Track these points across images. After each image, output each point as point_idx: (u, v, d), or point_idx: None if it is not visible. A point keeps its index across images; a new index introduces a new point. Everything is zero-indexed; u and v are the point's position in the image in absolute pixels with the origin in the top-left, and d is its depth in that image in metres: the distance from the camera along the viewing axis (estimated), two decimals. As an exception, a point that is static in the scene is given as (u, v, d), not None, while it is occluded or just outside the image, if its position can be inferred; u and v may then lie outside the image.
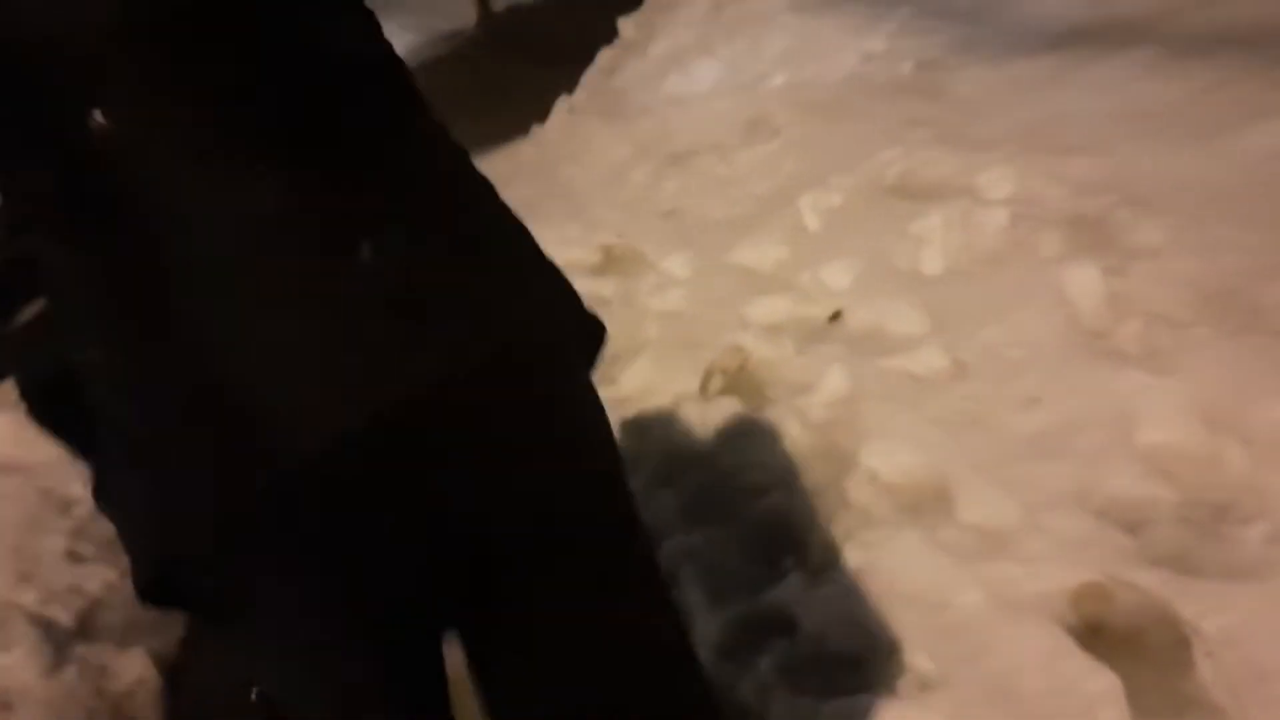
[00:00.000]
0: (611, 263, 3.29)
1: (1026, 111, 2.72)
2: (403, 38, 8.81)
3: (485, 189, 0.89)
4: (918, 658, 1.50)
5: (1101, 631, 1.44)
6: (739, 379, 2.42)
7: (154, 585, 0.78)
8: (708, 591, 1.82)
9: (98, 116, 0.68)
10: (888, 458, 1.92)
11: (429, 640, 0.89)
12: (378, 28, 0.84)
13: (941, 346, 2.09)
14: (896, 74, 3.23)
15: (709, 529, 1.97)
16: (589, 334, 0.96)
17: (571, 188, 3.84)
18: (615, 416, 2.50)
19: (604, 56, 4.97)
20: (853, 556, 1.75)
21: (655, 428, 2.35)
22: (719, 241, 2.99)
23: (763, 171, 3.22)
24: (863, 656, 1.55)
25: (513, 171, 4.28)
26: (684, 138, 3.71)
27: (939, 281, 2.32)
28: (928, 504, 1.79)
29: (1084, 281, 2.01)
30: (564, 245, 3.40)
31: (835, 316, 2.44)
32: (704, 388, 2.45)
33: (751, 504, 2.00)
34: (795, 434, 2.11)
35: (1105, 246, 2.08)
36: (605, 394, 2.51)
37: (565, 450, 0.89)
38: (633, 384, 2.59)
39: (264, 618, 0.81)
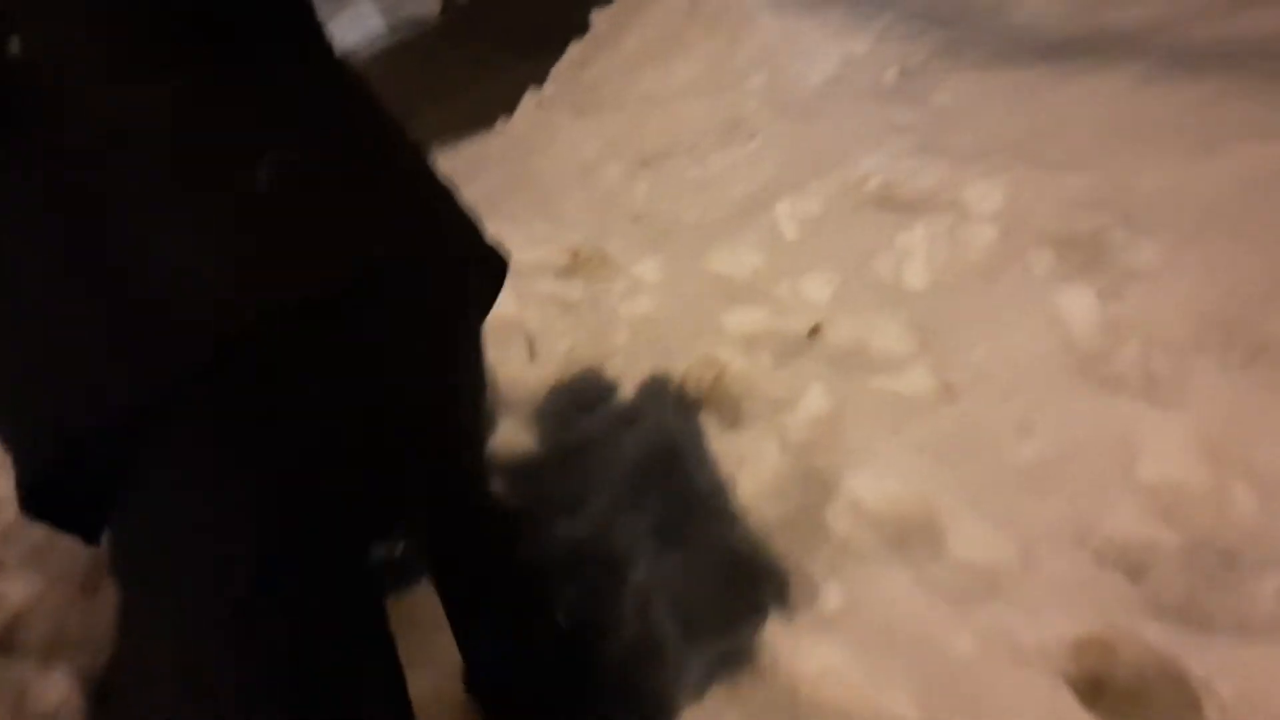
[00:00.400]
0: (579, 265, 3.16)
1: (1015, 122, 2.63)
2: (367, 22, 8.63)
3: (389, 122, 0.96)
4: (908, 709, 1.39)
5: (1105, 687, 1.34)
6: (714, 392, 2.30)
7: (41, 486, 0.79)
8: (682, 626, 1.71)
9: (14, 45, 0.74)
10: (872, 485, 1.81)
11: (327, 546, 0.91)
12: None
13: (928, 366, 1.99)
14: (879, 79, 3.12)
15: (681, 555, 1.85)
16: (488, 265, 1.06)
17: (539, 184, 3.70)
18: (580, 425, 2.39)
19: (575, 49, 4.83)
20: (836, 593, 1.65)
21: (623, 440, 2.23)
22: (692, 246, 2.88)
23: (739, 175, 3.10)
24: (847, 706, 1.45)
25: (478, 164, 4.14)
26: (657, 137, 3.58)
27: (924, 297, 2.22)
28: (915, 537, 1.69)
29: (1078, 302, 1.91)
30: (531, 245, 3.26)
31: (815, 330, 2.33)
32: (675, 397, 2.33)
33: (727, 530, 1.89)
34: (773, 455, 1.99)
35: (1100, 266, 1.99)
36: (571, 399, 2.37)
37: (430, 365, 0.99)
38: (600, 391, 2.47)
39: (150, 512, 0.83)
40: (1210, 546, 1.48)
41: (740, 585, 1.77)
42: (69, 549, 2.40)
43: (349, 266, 0.83)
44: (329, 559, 0.90)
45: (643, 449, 2.16)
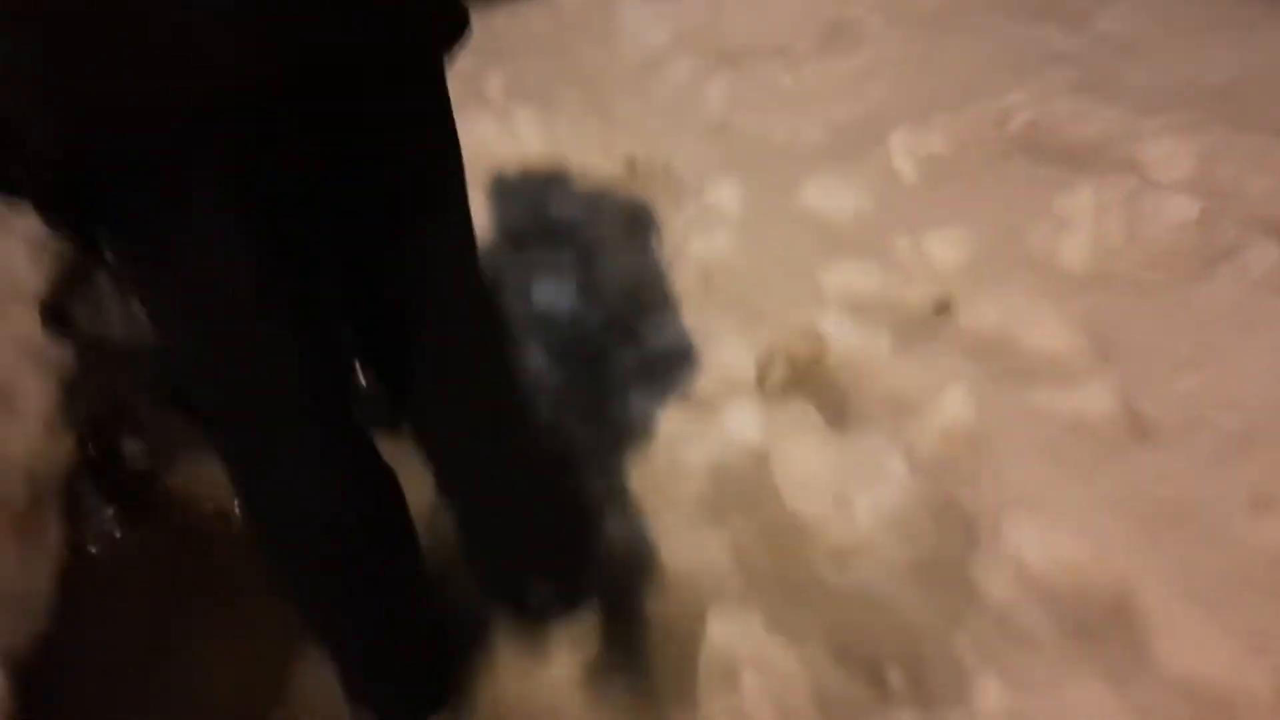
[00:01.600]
0: (636, 180, 2.66)
1: (1208, 65, 2.12)
2: None
3: None
4: None
5: None
6: (813, 375, 1.85)
7: (61, 182, 0.88)
8: (776, 710, 1.30)
9: None
10: (1041, 541, 1.39)
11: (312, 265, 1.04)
12: None
13: (1111, 387, 1.54)
14: (1027, -10, 2.59)
15: (777, 609, 1.43)
16: (454, 22, 1.07)
17: (593, 75, 3.16)
18: (637, 400, 1.95)
19: (639, -88, 4.18)
20: (993, 692, 1.24)
21: (693, 431, 1.78)
22: (781, 175, 2.38)
23: (841, 92, 2.59)
24: None
25: (520, 43, 3.57)
26: (741, 33, 3.03)
27: (1094, 286, 1.75)
28: (1109, 631, 1.27)
29: (1326, 326, 1.46)
30: (579, 149, 2.76)
31: (943, 307, 1.88)
32: (762, 377, 1.88)
33: (837, 577, 1.47)
34: (898, 473, 1.57)
35: (1352, 278, 1.53)
36: (625, 360, 1.88)
37: (421, 125, 1.10)
38: (661, 356, 2.01)
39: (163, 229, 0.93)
40: None
41: (858, 659, 1.36)
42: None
43: (343, 42, 0.93)
44: (313, 287, 1.04)
45: (719, 447, 1.71)
